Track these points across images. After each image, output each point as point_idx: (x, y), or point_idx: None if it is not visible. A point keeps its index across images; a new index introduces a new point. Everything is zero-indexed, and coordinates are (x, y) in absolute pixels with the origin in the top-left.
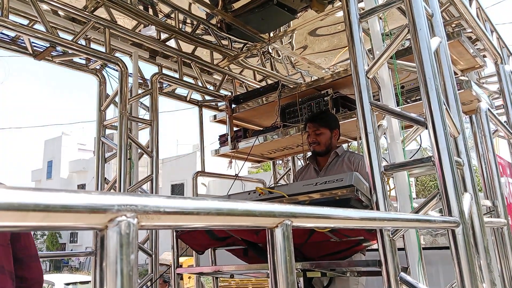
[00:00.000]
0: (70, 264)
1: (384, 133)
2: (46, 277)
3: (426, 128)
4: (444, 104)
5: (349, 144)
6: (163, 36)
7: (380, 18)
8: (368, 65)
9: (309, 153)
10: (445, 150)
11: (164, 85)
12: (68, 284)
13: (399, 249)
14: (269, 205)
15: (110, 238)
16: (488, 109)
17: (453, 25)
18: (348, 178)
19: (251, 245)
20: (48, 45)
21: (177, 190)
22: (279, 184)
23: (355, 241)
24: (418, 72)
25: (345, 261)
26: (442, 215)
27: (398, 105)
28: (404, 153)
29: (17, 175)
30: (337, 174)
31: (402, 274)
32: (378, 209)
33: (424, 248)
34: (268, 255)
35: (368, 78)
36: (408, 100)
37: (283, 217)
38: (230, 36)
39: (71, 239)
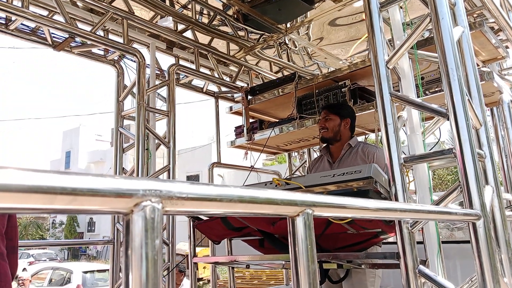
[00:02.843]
0: (87, 253)
1: (403, 125)
2: (65, 265)
3: (448, 120)
4: (467, 95)
5: (367, 136)
6: (180, 27)
7: (401, 7)
8: (388, 55)
9: (324, 145)
10: (467, 142)
11: (181, 76)
12: (86, 272)
13: (417, 243)
14: (290, 193)
15: (135, 223)
16: (511, 100)
17: (475, 15)
18: (366, 169)
19: (267, 236)
20: (67, 36)
21: (192, 181)
22: (295, 176)
23: (372, 233)
24: (440, 62)
25: (362, 253)
26: (463, 208)
27: (418, 96)
28: (424, 145)
29: (36, 165)
30: (351, 165)
31: (421, 267)
32: (397, 201)
33: (442, 242)
34: (290, 244)
35: (388, 68)
36: (427, 92)
37: (305, 206)
38: (246, 27)
39: (89, 228)
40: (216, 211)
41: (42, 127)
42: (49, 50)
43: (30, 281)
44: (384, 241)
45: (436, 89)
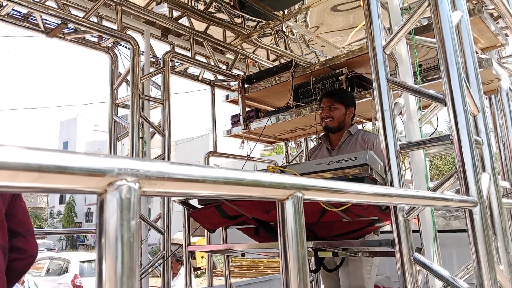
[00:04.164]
0: (85, 242)
1: (401, 113)
2: (62, 254)
3: (445, 106)
4: (465, 81)
5: (364, 125)
6: (176, 14)
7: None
8: (385, 41)
9: (324, 133)
10: (464, 128)
11: (177, 64)
12: (83, 261)
13: (413, 231)
14: (279, 176)
15: (109, 203)
16: (510, 88)
17: (474, 2)
18: (362, 156)
19: (262, 224)
20: (60, 22)
21: None
22: (291, 164)
23: (368, 221)
24: (438, 47)
25: (357, 240)
26: (460, 195)
27: (415, 84)
28: (421, 132)
29: None
30: (350, 153)
31: (416, 254)
32: None
33: (438, 231)
34: (278, 229)
35: (386, 53)
36: (425, 80)
37: (294, 189)
38: (243, 14)
39: (86, 218)
40: (200, 193)
41: (38, 117)
42: (43, 38)
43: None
44: (381, 230)
45: (434, 77)
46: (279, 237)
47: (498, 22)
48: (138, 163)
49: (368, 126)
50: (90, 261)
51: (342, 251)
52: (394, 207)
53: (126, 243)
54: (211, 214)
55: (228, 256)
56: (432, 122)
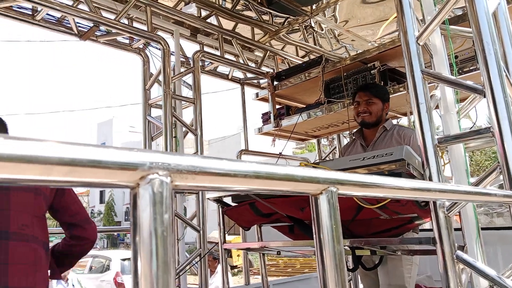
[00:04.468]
0: (125, 241)
1: (437, 107)
2: (104, 253)
3: (484, 97)
4: (504, 71)
5: (398, 120)
6: (204, 13)
7: None
8: (418, 31)
9: (357, 129)
10: (505, 120)
11: (206, 63)
12: (124, 259)
13: (456, 229)
14: (312, 170)
15: (142, 197)
16: None
17: None
18: (398, 151)
19: (297, 222)
20: (92, 25)
21: None
22: (323, 160)
23: (406, 218)
24: (474, 36)
25: (396, 238)
26: (503, 190)
27: (451, 75)
28: (460, 125)
29: None
30: (386, 148)
31: (459, 252)
32: None
33: (481, 229)
34: (313, 225)
35: (419, 44)
36: (462, 71)
37: (328, 183)
38: (271, 11)
39: (126, 217)
40: (230, 187)
41: (76, 119)
42: (78, 42)
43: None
44: (420, 228)
45: (471, 68)
46: (314, 233)
47: None
48: (169, 157)
49: (403, 121)
50: (130, 259)
51: (380, 250)
52: (434, 204)
53: (160, 237)
54: (245, 211)
55: (264, 254)
56: (470, 116)
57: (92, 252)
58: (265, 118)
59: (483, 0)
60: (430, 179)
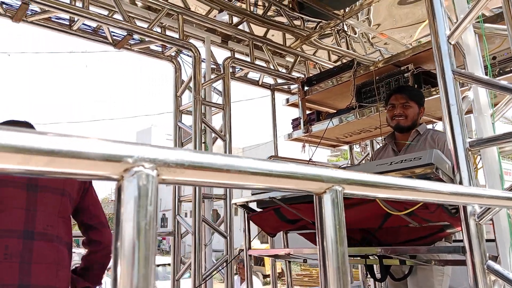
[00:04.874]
0: (161, 247)
1: (471, 111)
2: None
3: None
4: None
5: (434, 125)
6: (235, 20)
7: None
8: (450, 30)
9: (388, 135)
10: None
11: (237, 69)
12: (158, 265)
13: (488, 241)
14: (315, 168)
15: (125, 189)
16: None
17: None
18: (427, 155)
19: None
20: (126, 34)
21: None
22: (350, 165)
23: (437, 226)
24: (509, 32)
25: (424, 247)
26: None
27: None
28: (494, 128)
29: None
30: (415, 152)
31: (490, 262)
32: None
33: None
34: (316, 224)
35: (450, 44)
36: (502, 72)
37: (332, 182)
38: (302, 16)
39: (162, 224)
40: (224, 182)
41: (116, 127)
42: (117, 52)
43: None
44: (454, 237)
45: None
46: (316, 234)
47: None
48: (156, 150)
49: (439, 126)
50: (164, 265)
51: (409, 259)
52: (465, 210)
53: (142, 230)
54: (269, 217)
55: (290, 262)
56: (506, 117)
57: None
58: (295, 124)
59: None
60: (461, 183)
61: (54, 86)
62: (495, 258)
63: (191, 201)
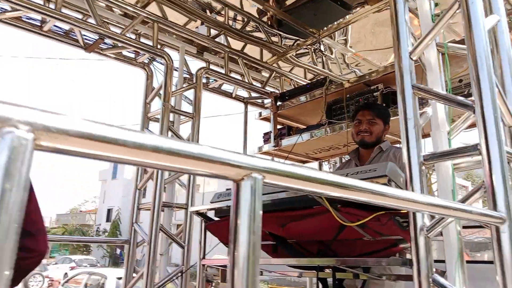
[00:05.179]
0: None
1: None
2: (101, 270)
3: (474, 113)
4: (497, 86)
5: (401, 145)
6: (214, 32)
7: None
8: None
9: (353, 150)
10: (493, 136)
11: (211, 80)
12: (119, 278)
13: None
14: (235, 154)
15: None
16: None
17: None
18: (382, 168)
19: (280, 241)
20: (98, 37)
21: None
22: None
23: (391, 241)
24: (468, 51)
25: (373, 258)
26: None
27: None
28: (450, 143)
29: (86, 174)
30: (372, 164)
31: (436, 276)
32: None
33: (467, 262)
34: (231, 212)
35: (412, 59)
36: (467, 94)
37: (250, 169)
38: (280, 33)
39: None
40: (117, 157)
41: None
42: (99, 62)
43: (59, 282)
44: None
45: None
46: (230, 222)
47: None
48: (37, 113)
49: None
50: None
51: (363, 273)
52: (414, 223)
53: (5, 194)
54: (227, 226)
55: None
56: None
57: (89, 269)
58: (266, 138)
59: (477, 13)
60: None
61: (54, 86)
62: (443, 273)
63: (149, 210)
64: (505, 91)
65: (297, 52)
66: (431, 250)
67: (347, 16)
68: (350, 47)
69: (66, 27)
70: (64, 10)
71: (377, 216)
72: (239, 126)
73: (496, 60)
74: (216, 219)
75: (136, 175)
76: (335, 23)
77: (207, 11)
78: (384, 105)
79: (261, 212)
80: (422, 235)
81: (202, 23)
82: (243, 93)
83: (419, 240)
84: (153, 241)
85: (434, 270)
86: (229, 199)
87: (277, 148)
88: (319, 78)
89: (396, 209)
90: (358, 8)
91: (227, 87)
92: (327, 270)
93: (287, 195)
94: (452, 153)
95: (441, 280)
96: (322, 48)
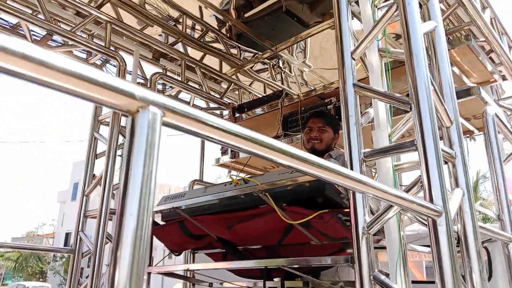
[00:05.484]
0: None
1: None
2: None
3: (410, 110)
4: (433, 85)
5: None
6: (171, 40)
7: (376, 6)
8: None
9: None
10: (429, 132)
11: (167, 87)
12: None
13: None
14: (129, 83)
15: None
16: (496, 114)
17: (464, 33)
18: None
19: (230, 248)
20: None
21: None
22: (256, 175)
23: (338, 245)
24: (405, 50)
25: (315, 257)
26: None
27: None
28: (390, 142)
29: (45, 195)
30: None
31: (377, 273)
32: (354, 199)
33: (413, 282)
34: (124, 149)
35: (354, 59)
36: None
37: (147, 102)
38: (239, 45)
39: (89, 263)
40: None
41: (48, 153)
42: None
43: None
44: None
45: None
46: (122, 159)
47: (490, 57)
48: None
49: None
50: None
51: (313, 278)
52: (355, 220)
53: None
54: (173, 231)
55: (193, 285)
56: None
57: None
58: (224, 149)
59: (416, 15)
60: (354, 194)
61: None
62: (386, 274)
63: (95, 217)
64: (443, 94)
65: (257, 68)
66: (372, 247)
67: (303, 33)
68: (309, 64)
69: (13, 20)
70: (11, 3)
71: (321, 214)
72: (196, 138)
73: (435, 69)
74: (162, 223)
75: (83, 180)
76: (293, 38)
77: (166, 18)
78: (337, 117)
79: (157, 150)
80: (363, 232)
81: (151, 26)
82: (201, 103)
83: (360, 236)
84: (99, 251)
85: (377, 269)
86: (176, 201)
87: (234, 160)
88: (275, 91)
89: (338, 207)
90: (314, 25)
91: (184, 95)
92: (276, 279)
93: (232, 193)
94: (391, 149)
95: (382, 277)
96: (280, 64)
